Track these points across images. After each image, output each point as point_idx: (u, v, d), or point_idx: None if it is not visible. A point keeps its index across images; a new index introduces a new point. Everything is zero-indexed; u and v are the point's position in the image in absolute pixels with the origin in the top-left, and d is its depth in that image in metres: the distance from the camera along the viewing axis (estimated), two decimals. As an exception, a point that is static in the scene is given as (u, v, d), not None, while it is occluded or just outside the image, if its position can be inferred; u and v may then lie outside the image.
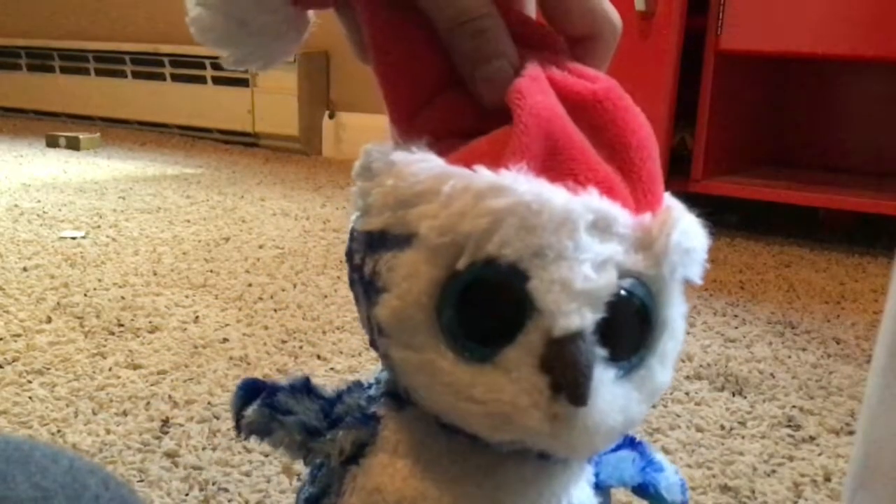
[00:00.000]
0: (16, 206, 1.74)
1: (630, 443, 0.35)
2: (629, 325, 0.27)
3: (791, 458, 0.78)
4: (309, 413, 0.31)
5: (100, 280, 1.25)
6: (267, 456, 0.74)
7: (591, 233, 0.26)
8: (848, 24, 1.46)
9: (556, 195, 0.25)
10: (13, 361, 0.93)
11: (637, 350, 0.27)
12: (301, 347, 1.00)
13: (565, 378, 0.25)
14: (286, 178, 2.22)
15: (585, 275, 0.25)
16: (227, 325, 1.08)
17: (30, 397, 0.85)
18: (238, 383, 0.32)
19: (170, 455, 0.74)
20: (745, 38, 1.56)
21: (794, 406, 0.89)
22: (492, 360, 0.26)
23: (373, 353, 0.98)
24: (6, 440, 0.30)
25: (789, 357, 1.03)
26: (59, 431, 0.78)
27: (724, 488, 0.72)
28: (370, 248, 0.28)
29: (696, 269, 0.28)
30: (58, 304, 1.13)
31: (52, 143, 2.60)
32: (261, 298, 1.19)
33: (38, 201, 1.79)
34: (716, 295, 1.29)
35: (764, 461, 0.77)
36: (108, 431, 0.78)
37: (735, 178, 1.69)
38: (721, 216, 1.80)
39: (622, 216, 0.26)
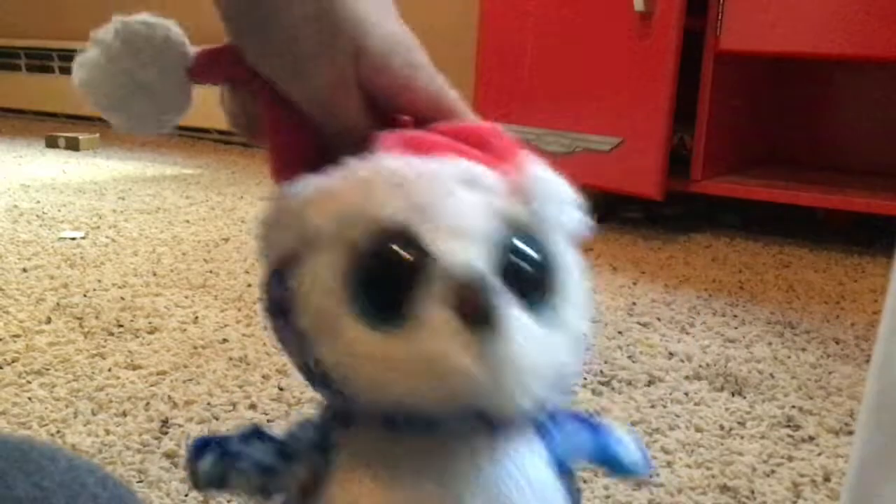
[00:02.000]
0: (15, 206, 1.74)
1: (583, 420, 0.35)
2: (528, 272, 0.29)
3: (790, 459, 0.78)
4: (265, 454, 0.31)
5: (99, 281, 1.25)
6: (266, 456, 0.74)
7: (463, 187, 0.29)
8: (847, 23, 1.46)
9: (423, 161, 0.29)
10: (13, 362, 0.93)
11: (544, 295, 0.29)
12: (300, 348, 1.00)
13: (473, 307, 0.27)
14: (285, 179, 2.22)
15: (466, 217, 0.28)
16: (226, 325, 1.08)
17: (29, 398, 0.85)
18: (190, 441, 0.33)
19: (169, 456, 0.74)
20: (744, 39, 1.56)
21: (793, 406, 0.89)
22: (407, 320, 0.27)
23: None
24: (5, 440, 0.30)
25: (789, 357, 1.03)
26: (58, 432, 0.78)
27: (724, 488, 0.72)
28: (283, 282, 0.30)
29: (573, 216, 0.31)
30: (57, 304, 1.13)
31: (52, 143, 2.60)
32: (260, 299, 1.19)
33: (38, 202, 1.79)
34: (715, 295, 1.29)
35: (763, 461, 0.77)
36: (107, 432, 0.78)
37: (734, 179, 1.69)
38: (720, 216, 1.80)
39: (485, 171, 0.30)
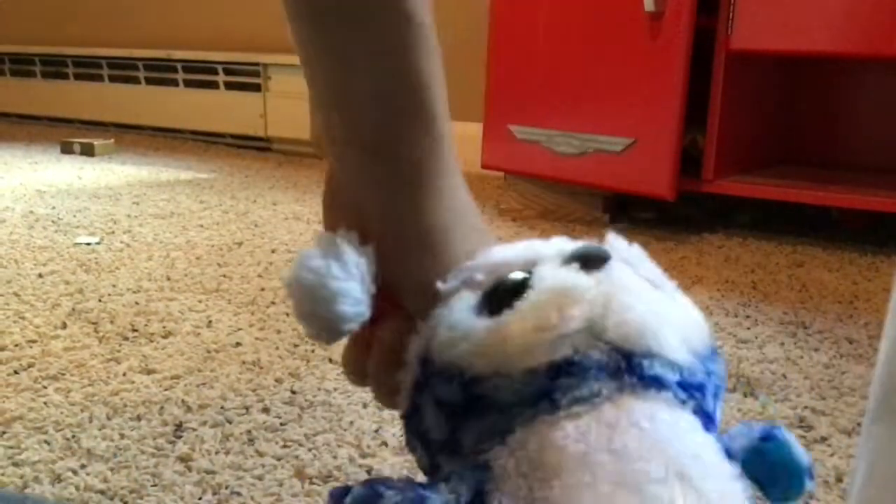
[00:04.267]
0: (31, 212, 1.76)
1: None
2: None
3: (803, 459, 0.77)
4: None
5: (114, 285, 1.26)
6: (279, 460, 0.75)
7: None
8: (860, 22, 1.45)
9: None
10: (28, 367, 0.94)
11: None
12: (313, 351, 1.01)
13: None
14: (299, 183, 2.23)
15: None
16: (239, 329, 1.08)
17: (45, 403, 0.86)
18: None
19: (183, 459, 0.75)
20: (756, 38, 1.55)
21: (806, 407, 0.89)
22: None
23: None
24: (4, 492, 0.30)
25: (801, 357, 1.03)
26: (73, 437, 0.79)
27: (736, 489, 0.72)
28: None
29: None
30: (73, 309, 1.14)
31: (67, 149, 2.62)
32: (273, 302, 1.20)
33: (53, 207, 1.81)
34: (728, 295, 1.29)
35: (775, 462, 0.77)
36: (122, 436, 0.79)
37: (747, 178, 1.69)
38: (733, 216, 1.80)
39: None
